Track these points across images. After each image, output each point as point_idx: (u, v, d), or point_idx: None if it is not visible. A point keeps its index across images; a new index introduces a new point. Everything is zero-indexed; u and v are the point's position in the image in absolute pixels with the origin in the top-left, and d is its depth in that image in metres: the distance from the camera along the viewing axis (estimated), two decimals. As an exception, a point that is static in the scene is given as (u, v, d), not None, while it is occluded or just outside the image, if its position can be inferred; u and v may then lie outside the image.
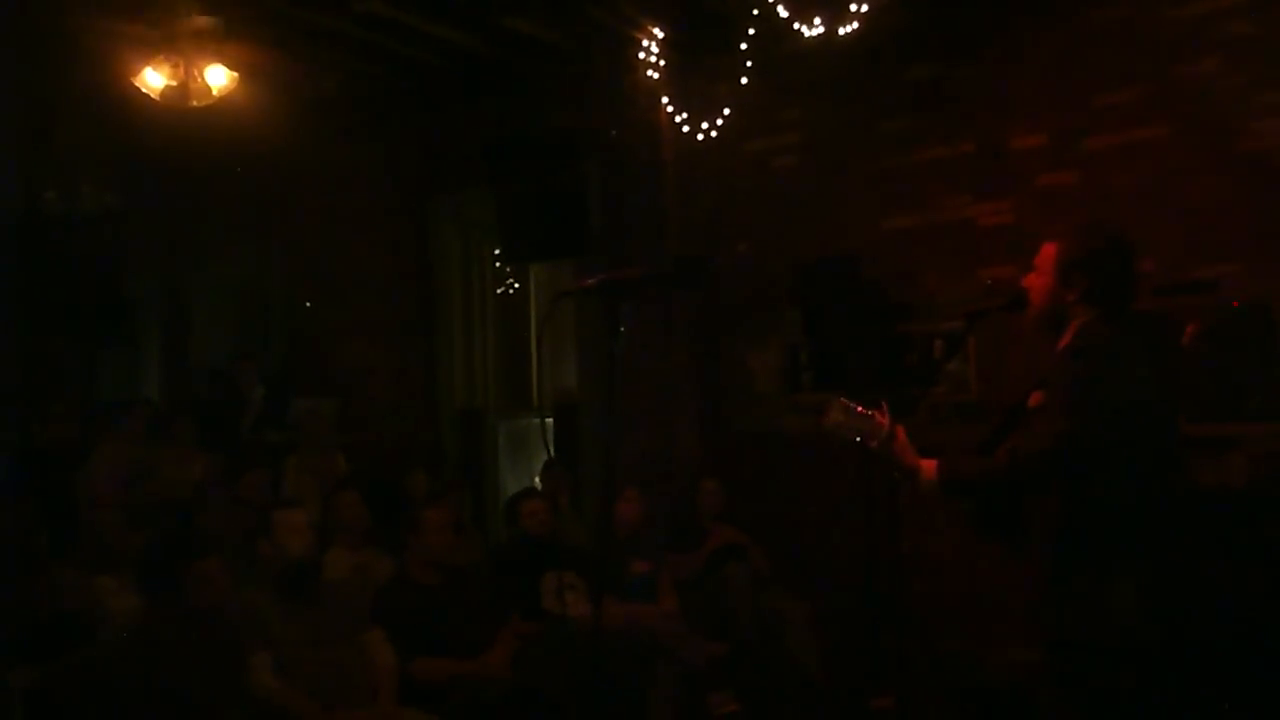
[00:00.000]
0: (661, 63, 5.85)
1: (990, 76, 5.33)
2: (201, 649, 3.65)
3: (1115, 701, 2.53)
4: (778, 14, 5.30)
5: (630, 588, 5.00)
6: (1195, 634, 2.84)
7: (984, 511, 2.81)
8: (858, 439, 2.77)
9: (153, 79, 5.00)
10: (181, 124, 5.55)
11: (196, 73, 5.01)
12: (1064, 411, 2.54)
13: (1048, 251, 2.78)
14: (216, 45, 5.05)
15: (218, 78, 5.08)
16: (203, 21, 4.98)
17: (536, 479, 6.26)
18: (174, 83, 4.99)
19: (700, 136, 5.89)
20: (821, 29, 5.28)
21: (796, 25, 5.31)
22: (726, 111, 5.82)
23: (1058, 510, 2.59)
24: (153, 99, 5.06)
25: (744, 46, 5.64)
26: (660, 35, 5.82)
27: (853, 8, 5.15)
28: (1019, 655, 4.61)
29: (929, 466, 2.73)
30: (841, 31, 5.24)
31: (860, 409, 2.77)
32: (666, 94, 5.92)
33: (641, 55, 5.85)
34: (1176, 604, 2.55)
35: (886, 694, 4.59)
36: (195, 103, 5.06)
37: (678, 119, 5.92)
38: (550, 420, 6.93)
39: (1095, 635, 2.52)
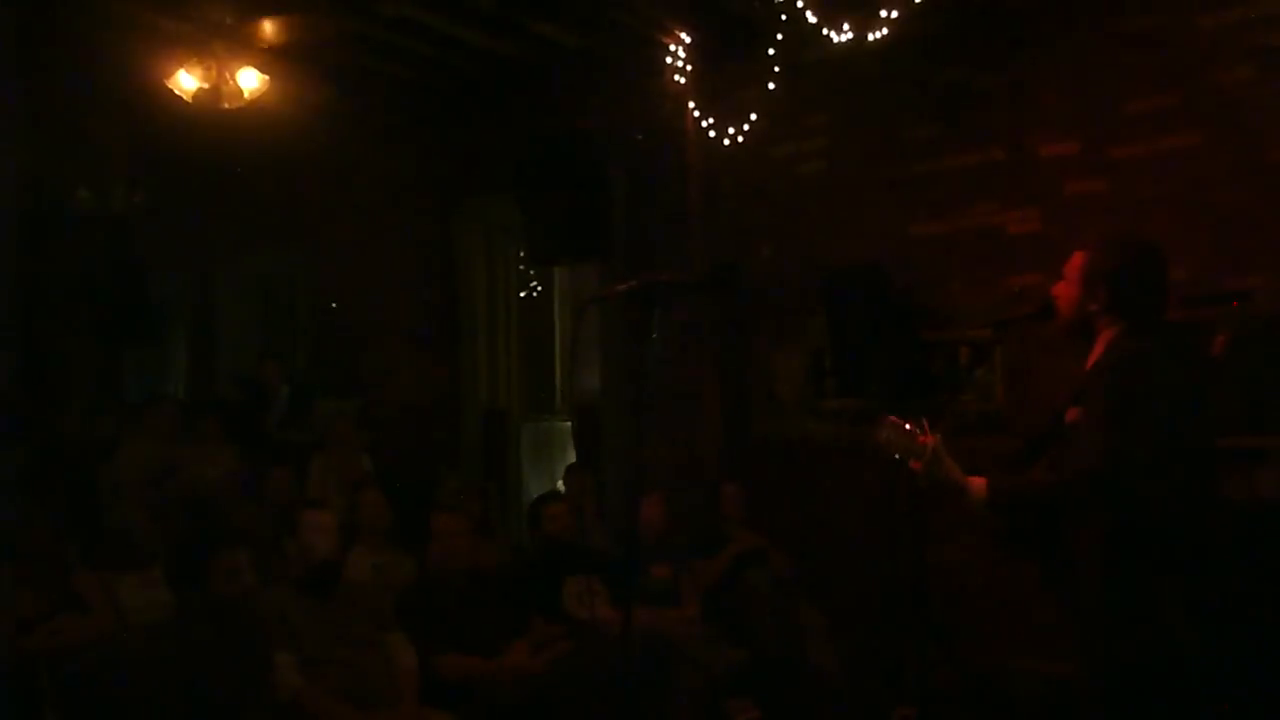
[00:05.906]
0: (688, 67, 5.85)
1: (1019, 83, 5.29)
2: (228, 644, 3.67)
3: None
4: (806, 19, 5.29)
5: (651, 592, 5.00)
6: (1240, 651, 2.80)
7: (1020, 530, 2.75)
8: (902, 457, 2.75)
9: (185, 81, 5.07)
10: (212, 126, 5.60)
11: (228, 75, 5.07)
12: (1104, 428, 2.50)
13: (1076, 261, 2.77)
14: (248, 48, 5.11)
15: (249, 80, 5.15)
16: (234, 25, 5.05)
17: (559, 482, 6.26)
18: (206, 85, 5.06)
19: (726, 141, 5.87)
20: (850, 34, 5.27)
21: (825, 30, 5.29)
22: (753, 116, 5.80)
23: (1104, 529, 2.53)
24: (185, 101, 5.12)
25: (771, 51, 5.63)
26: (687, 40, 5.82)
27: (881, 13, 5.13)
28: (1042, 666, 4.63)
29: (978, 485, 2.68)
30: (870, 37, 5.22)
31: (908, 426, 2.75)
32: (693, 99, 5.92)
33: (668, 60, 5.85)
34: (1222, 621, 2.51)
35: (909, 703, 4.57)
36: (227, 105, 5.13)
37: (704, 124, 5.91)
38: (570, 424, 6.94)
39: (1147, 655, 2.48)
